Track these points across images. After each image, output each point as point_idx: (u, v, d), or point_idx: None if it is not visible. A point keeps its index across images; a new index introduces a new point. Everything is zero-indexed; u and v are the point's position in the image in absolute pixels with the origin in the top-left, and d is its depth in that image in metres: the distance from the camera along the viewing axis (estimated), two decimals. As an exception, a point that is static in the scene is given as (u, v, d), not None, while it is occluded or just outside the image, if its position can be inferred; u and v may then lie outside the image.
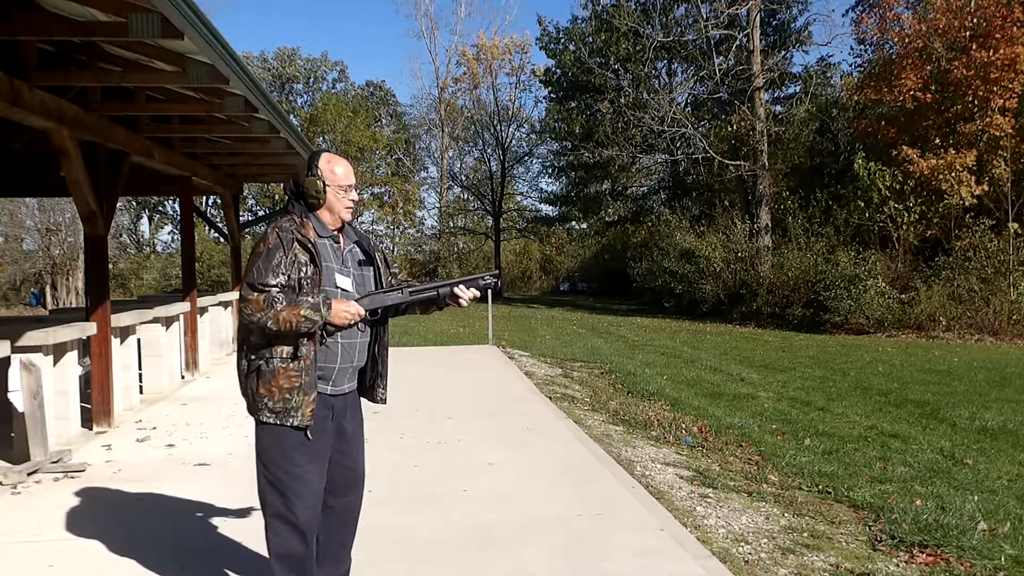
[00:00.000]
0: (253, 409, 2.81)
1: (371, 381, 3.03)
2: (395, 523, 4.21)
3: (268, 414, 2.76)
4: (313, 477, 2.82)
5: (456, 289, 2.91)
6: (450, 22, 76.71)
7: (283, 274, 2.72)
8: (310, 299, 2.69)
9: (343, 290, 2.84)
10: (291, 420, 2.74)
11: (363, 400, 3.10)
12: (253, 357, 2.78)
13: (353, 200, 2.89)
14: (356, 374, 2.98)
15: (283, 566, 2.81)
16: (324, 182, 2.83)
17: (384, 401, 3.05)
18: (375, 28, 67.56)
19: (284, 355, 2.72)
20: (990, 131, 18.32)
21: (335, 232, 2.91)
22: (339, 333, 2.80)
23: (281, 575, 2.82)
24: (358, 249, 2.98)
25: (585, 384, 9.82)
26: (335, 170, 2.87)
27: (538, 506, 4.54)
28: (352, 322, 2.77)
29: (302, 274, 2.73)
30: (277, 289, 2.70)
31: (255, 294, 2.69)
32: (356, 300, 2.81)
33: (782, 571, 3.81)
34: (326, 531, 2.99)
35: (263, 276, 2.71)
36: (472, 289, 2.93)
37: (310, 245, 2.76)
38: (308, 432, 2.77)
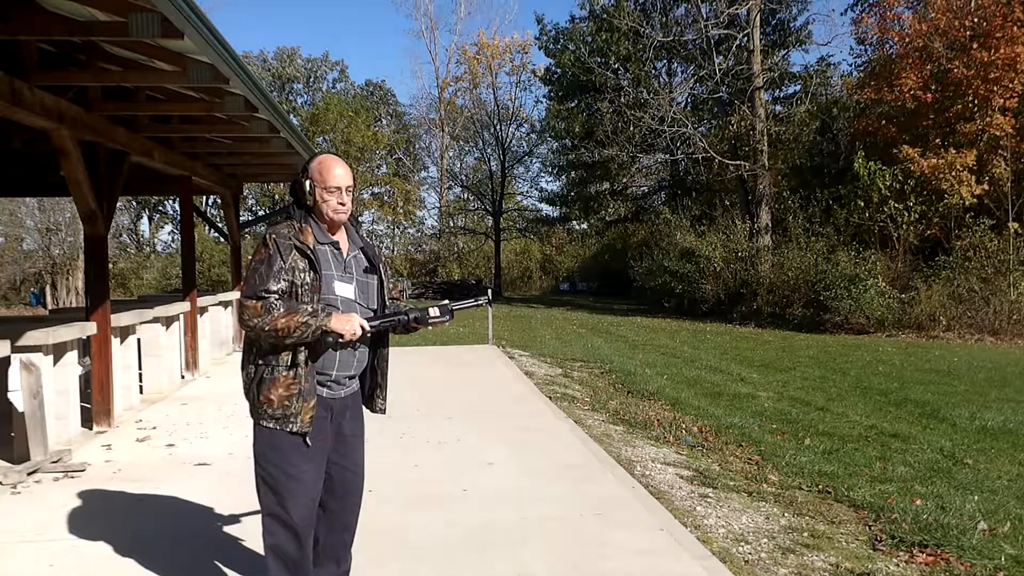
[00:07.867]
0: (254, 414, 2.82)
1: (371, 391, 3.05)
2: (395, 523, 4.21)
3: (268, 420, 2.78)
4: (308, 477, 2.82)
5: (431, 320, 2.93)
6: (450, 22, 76.94)
7: (284, 280, 2.72)
8: (309, 307, 2.70)
9: (344, 298, 2.83)
10: (290, 426, 2.76)
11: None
12: (260, 363, 2.78)
13: (342, 203, 2.85)
14: (354, 380, 2.98)
15: (278, 564, 2.83)
16: (312, 183, 2.83)
17: (383, 411, 3.09)
18: (375, 28, 67.67)
19: (285, 362, 2.74)
20: (990, 131, 18.34)
21: (336, 238, 2.89)
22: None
23: (276, 573, 2.83)
24: (363, 256, 2.96)
25: (585, 384, 9.81)
26: (322, 172, 2.84)
27: (538, 506, 4.54)
28: (354, 334, 2.74)
29: (300, 280, 2.73)
30: (277, 296, 2.70)
31: (253, 300, 2.70)
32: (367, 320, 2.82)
33: (782, 571, 3.81)
34: (326, 531, 2.99)
35: (264, 282, 2.71)
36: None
37: (309, 252, 2.75)
38: (307, 439, 2.78)
